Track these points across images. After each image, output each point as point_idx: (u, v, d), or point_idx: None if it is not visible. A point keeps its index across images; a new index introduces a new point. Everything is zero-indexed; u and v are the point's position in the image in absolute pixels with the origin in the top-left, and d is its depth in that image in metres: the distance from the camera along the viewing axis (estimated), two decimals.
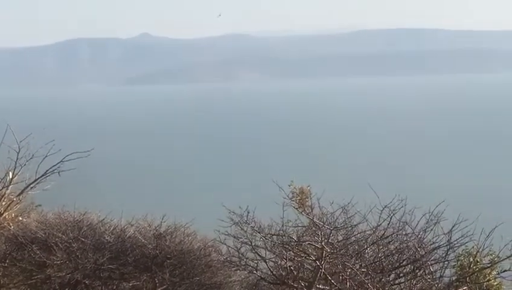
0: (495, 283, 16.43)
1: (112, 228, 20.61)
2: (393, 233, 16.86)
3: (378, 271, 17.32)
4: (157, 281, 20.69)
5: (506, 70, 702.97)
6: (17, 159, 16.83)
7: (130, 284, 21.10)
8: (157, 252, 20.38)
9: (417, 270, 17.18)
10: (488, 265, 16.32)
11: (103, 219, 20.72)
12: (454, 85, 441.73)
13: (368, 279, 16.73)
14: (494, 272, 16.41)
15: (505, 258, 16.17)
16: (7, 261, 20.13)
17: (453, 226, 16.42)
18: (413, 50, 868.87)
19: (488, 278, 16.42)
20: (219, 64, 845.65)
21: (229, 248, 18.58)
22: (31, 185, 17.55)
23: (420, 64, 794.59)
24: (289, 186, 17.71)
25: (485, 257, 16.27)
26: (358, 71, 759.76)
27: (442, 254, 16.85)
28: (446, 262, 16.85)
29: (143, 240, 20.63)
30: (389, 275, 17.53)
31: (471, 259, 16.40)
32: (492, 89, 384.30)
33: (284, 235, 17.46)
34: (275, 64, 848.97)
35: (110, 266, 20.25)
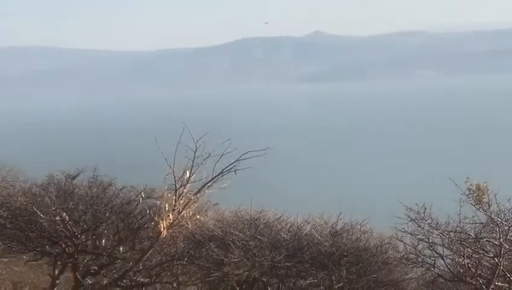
0: None
1: (288, 226, 28.39)
2: None
3: None
4: (334, 279, 27.25)
5: None
6: (194, 158, 24.58)
7: (307, 282, 28.49)
8: (333, 249, 27.10)
9: None
10: None
11: (279, 217, 28.65)
12: None
13: None
14: None
15: None
16: (185, 259, 27.68)
17: None
18: None
19: None
20: (392, 62, 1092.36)
21: (406, 245, 25.69)
22: (208, 184, 25.12)
23: None
24: (465, 183, 24.30)
25: None
26: None
27: None
28: None
29: (319, 238, 27.50)
30: None
31: None
32: None
33: (462, 232, 24.31)
34: (451, 61, 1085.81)
35: (286, 264, 27.25)
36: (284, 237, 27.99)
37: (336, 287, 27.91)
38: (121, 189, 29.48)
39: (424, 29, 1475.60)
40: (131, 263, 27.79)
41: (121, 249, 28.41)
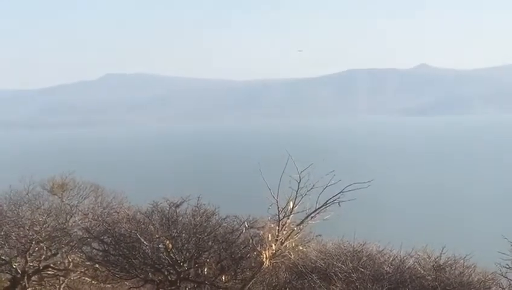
0: None
1: (391, 259, 27.63)
2: None
3: None
4: None
5: None
6: (298, 188, 23.34)
7: None
8: (436, 284, 26.02)
9: None
10: None
11: (382, 250, 27.88)
12: None
13: None
14: None
15: None
16: (287, 289, 27.49)
17: None
18: None
19: None
20: (497, 95, 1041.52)
21: (510, 281, 24.76)
22: (311, 215, 23.93)
23: None
24: None
25: None
26: None
27: None
28: None
29: (422, 271, 26.68)
30: None
31: None
32: None
33: None
34: None
35: None
36: (386, 270, 27.07)
37: None
38: (224, 218, 28.73)
39: None
40: None
41: (223, 278, 27.48)
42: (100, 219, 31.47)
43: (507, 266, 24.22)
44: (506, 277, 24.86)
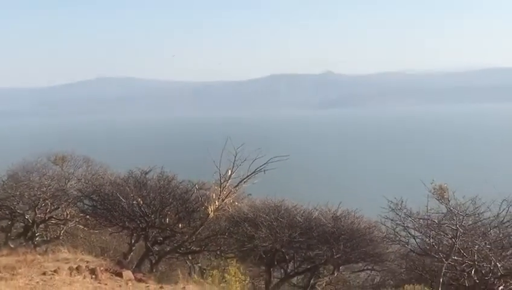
0: None
1: (302, 211, 29.42)
2: (510, 219, 25.09)
3: (500, 247, 24.98)
4: (334, 251, 28.30)
5: None
6: (234, 161, 25.72)
7: (314, 253, 29.50)
8: (334, 229, 28.25)
9: None
10: None
11: (295, 205, 29.81)
12: None
13: (491, 253, 24.26)
14: None
15: None
16: (226, 234, 29.19)
17: None
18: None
19: None
20: (379, 94, 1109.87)
21: (387, 228, 26.96)
22: (244, 180, 26.44)
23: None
24: (431, 183, 25.70)
25: None
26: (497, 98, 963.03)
27: None
28: None
29: (324, 221, 28.61)
30: (508, 251, 25.27)
31: None
32: None
33: (428, 219, 25.47)
34: (422, 93, 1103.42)
35: (300, 239, 28.36)
36: (298, 220, 29.13)
37: (336, 257, 28.89)
38: (181, 182, 30.72)
39: (403, 69, 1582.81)
40: (187, 236, 29.07)
41: (180, 225, 29.49)
42: (90, 182, 33.38)
43: (385, 217, 26.72)
44: (384, 225, 27.43)
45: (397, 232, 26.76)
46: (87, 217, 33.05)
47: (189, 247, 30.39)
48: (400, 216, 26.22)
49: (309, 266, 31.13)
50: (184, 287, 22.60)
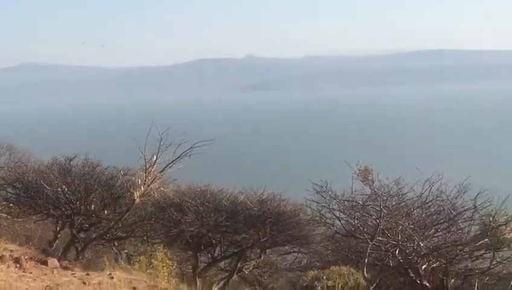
0: (508, 237, 23.75)
1: (228, 196, 28.96)
2: (432, 199, 24.93)
3: (422, 227, 24.85)
4: (260, 234, 27.84)
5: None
6: (159, 146, 25.05)
7: (241, 236, 29.03)
8: (260, 213, 27.81)
9: (451, 227, 25.11)
10: (503, 223, 23.69)
11: (221, 189, 29.31)
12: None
13: (414, 233, 24.13)
14: (508, 228, 23.79)
15: None
16: (152, 219, 28.34)
17: (477, 195, 24.39)
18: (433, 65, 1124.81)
19: (503, 233, 23.66)
20: (304, 77, 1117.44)
21: (313, 210, 26.57)
22: (170, 165, 25.78)
23: (439, 76, 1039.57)
24: (356, 165, 25.08)
25: (501, 217, 23.77)
26: (411, 80, 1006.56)
27: (469, 214, 24.75)
28: (472, 221, 24.84)
29: (250, 204, 28.15)
30: (430, 230, 25.25)
31: (491, 218, 23.88)
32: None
33: (353, 201, 25.12)
34: (348, 77, 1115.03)
35: (226, 223, 27.76)
36: (224, 204, 28.62)
37: (262, 240, 28.53)
38: (106, 168, 30.01)
39: (333, 53, 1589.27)
40: (113, 222, 28.17)
41: (105, 212, 28.80)
42: (13, 170, 32.26)
43: (310, 199, 26.36)
44: (310, 207, 27.08)
45: (323, 215, 26.37)
46: (11, 205, 31.71)
47: (115, 233, 29.52)
48: (325, 198, 25.78)
49: (236, 250, 30.72)
50: (110, 274, 21.64)
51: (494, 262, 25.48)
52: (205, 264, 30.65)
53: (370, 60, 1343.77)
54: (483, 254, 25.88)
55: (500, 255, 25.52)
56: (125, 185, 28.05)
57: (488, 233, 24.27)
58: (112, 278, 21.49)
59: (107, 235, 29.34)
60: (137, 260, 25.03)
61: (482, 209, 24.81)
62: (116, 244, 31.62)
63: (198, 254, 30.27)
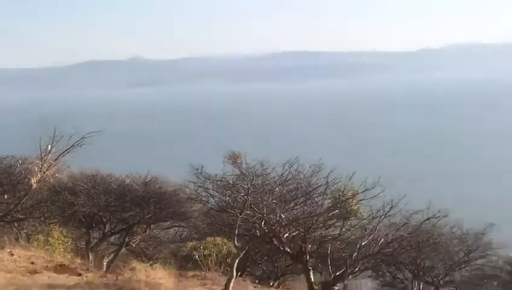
0: (355, 208, 27.75)
1: (115, 179, 31.88)
2: (291, 178, 28.25)
3: (283, 201, 27.76)
4: (145, 212, 30.73)
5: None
6: (53, 137, 27.11)
7: (128, 214, 31.76)
8: (145, 193, 30.76)
9: (307, 201, 28.39)
10: (350, 196, 27.37)
11: (110, 174, 32.26)
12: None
13: (277, 207, 26.85)
14: (354, 201, 27.66)
15: (360, 193, 27.53)
16: (49, 202, 30.39)
17: (329, 173, 28.03)
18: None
19: (350, 204, 27.43)
20: (178, 78, 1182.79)
21: (190, 190, 29.20)
22: (63, 153, 27.75)
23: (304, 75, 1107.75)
24: (227, 152, 28.04)
25: (348, 191, 27.46)
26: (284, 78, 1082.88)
27: (323, 190, 28.25)
28: (325, 195, 28.35)
29: (136, 187, 31.03)
30: (290, 204, 28.29)
31: (340, 193, 27.58)
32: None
33: (224, 181, 27.84)
34: (222, 75, 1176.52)
35: (115, 203, 30.56)
36: (113, 187, 31.34)
37: (147, 217, 31.33)
38: (4, 157, 32.07)
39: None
40: (12, 205, 29.76)
41: (5, 196, 30.38)
42: None
43: (188, 181, 29.04)
44: (188, 187, 29.66)
45: (199, 193, 28.86)
46: None
47: (15, 215, 31.11)
48: (200, 179, 28.17)
49: (124, 226, 33.46)
50: (11, 251, 23.67)
51: (343, 229, 29.01)
52: (97, 240, 33.29)
53: (237, 61, 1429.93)
54: (334, 223, 29.34)
55: (348, 224, 29.20)
56: (23, 172, 30.10)
57: (338, 205, 27.79)
58: (12, 255, 23.46)
59: (7, 217, 30.91)
60: (36, 238, 27.28)
61: (333, 185, 28.27)
62: (16, 225, 33.36)
63: (90, 231, 33.01)
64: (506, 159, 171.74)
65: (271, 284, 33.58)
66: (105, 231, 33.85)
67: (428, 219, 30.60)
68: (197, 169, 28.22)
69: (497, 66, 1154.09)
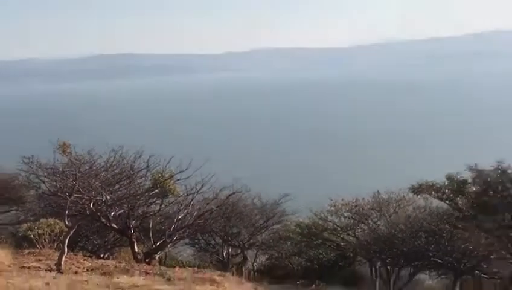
0: (172, 187, 31.17)
1: None
2: (116, 163, 30.95)
3: (108, 184, 30.27)
4: None
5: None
6: None
7: None
8: None
9: (130, 183, 31.43)
10: (168, 178, 30.82)
11: None
12: None
13: (102, 189, 29.34)
14: (171, 181, 31.13)
15: (174, 175, 31.23)
16: None
17: (149, 157, 30.97)
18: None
19: (168, 185, 30.76)
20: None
21: (23, 177, 32.23)
22: None
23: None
24: (57, 142, 29.37)
25: (167, 173, 31.02)
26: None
27: (144, 173, 31.46)
28: (146, 177, 31.67)
29: None
30: (115, 186, 30.91)
31: (160, 175, 30.98)
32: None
33: (54, 168, 29.69)
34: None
35: None
36: None
37: None
38: None
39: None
40: None
41: None
42: None
43: (20, 169, 31.03)
44: (21, 175, 32.14)
45: (31, 180, 31.01)
46: None
47: None
48: (32, 168, 29.83)
49: None
50: None
51: (163, 206, 32.98)
52: None
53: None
54: (155, 200, 33.01)
55: (167, 201, 33.25)
56: None
57: (158, 185, 31.22)
58: None
59: None
60: None
61: (153, 169, 31.55)
62: None
63: None
64: None
65: (101, 256, 36.18)
66: None
67: (233, 193, 35.98)
68: (28, 158, 29.67)
69: (284, 67, 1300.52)
